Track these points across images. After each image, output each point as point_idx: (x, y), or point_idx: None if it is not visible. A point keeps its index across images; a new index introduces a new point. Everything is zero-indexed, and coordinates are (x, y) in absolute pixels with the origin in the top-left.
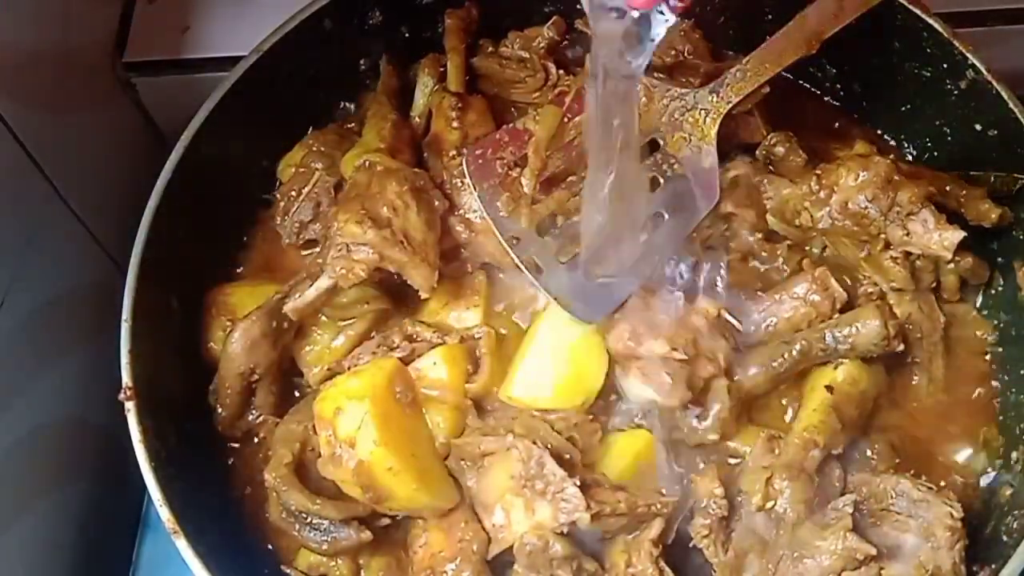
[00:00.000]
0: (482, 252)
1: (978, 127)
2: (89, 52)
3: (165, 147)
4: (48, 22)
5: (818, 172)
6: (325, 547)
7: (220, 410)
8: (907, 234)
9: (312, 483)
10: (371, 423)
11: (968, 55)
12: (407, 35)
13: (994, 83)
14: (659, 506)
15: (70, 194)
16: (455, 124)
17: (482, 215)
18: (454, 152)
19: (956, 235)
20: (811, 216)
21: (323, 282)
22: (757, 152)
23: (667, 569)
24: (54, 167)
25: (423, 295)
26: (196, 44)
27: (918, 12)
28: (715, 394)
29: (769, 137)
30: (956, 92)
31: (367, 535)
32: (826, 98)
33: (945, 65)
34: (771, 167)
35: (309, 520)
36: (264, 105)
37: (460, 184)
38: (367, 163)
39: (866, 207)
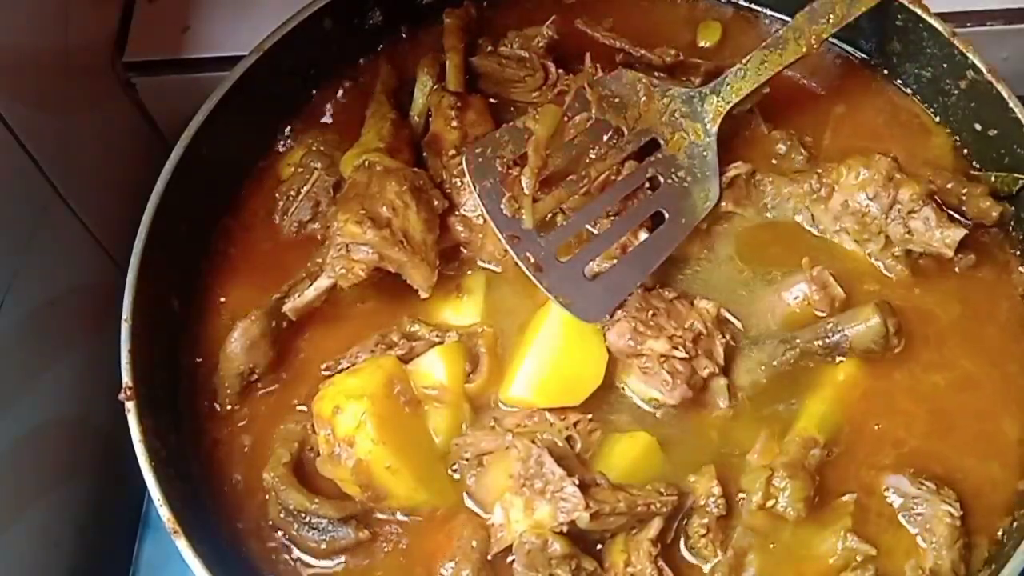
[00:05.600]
0: (481, 251)
1: (978, 127)
2: (89, 52)
3: (165, 147)
4: (48, 22)
5: (819, 171)
6: (324, 546)
7: (219, 409)
8: (908, 232)
9: (310, 482)
10: (369, 422)
11: (968, 55)
12: (407, 35)
13: (994, 83)
14: (658, 505)
15: (70, 194)
16: (454, 123)
17: (482, 214)
18: (453, 151)
19: (958, 233)
20: (812, 215)
21: (322, 282)
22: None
23: (666, 568)
24: (54, 167)
25: (423, 295)
26: (196, 44)
27: (918, 12)
28: (715, 392)
29: (771, 135)
30: (956, 92)
31: (365, 534)
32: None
33: (945, 65)
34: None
35: (308, 519)
36: (264, 105)
37: (459, 183)
38: (367, 163)
39: (867, 205)
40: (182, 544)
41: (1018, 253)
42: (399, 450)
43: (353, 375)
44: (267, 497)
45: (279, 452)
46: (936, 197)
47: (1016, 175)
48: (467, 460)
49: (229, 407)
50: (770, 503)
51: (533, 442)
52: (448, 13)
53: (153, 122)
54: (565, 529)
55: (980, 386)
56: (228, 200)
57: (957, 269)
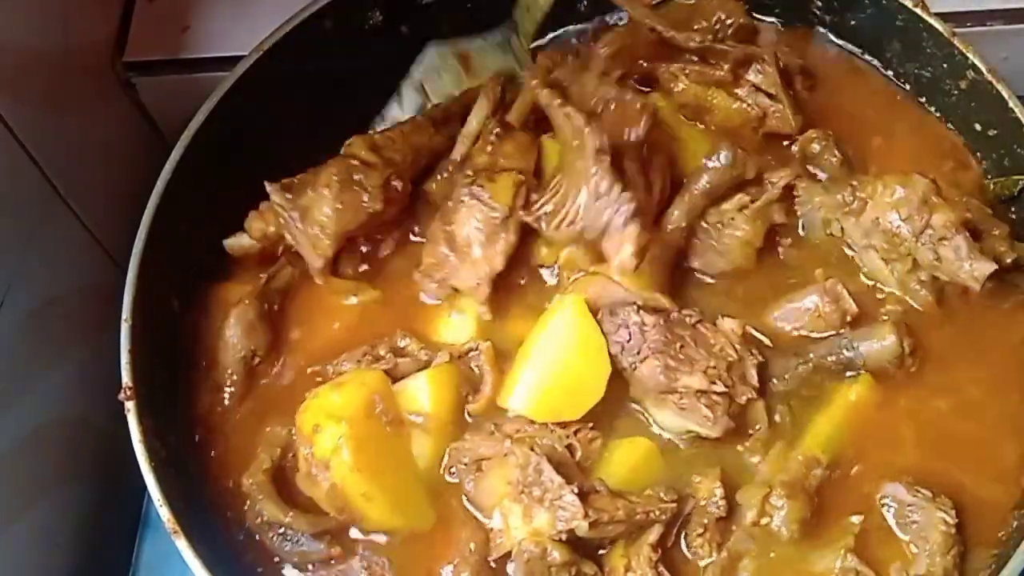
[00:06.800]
0: (461, 276)
1: (978, 127)
2: (89, 52)
3: (165, 147)
4: (48, 22)
5: (854, 183)
6: (296, 558)
7: (220, 409)
8: (937, 259)
9: (291, 488)
10: (346, 447)
11: (968, 55)
12: (407, 35)
13: (994, 83)
14: (658, 513)
15: (70, 194)
16: (488, 149)
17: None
18: (471, 172)
19: (987, 267)
20: (841, 228)
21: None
22: (794, 149)
23: (666, 573)
24: (54, 167)
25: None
26: (196, 44)
27: (918, 12)
28: (754, 416)
29: (805, 134)
30: (956, 92)
31: (337, 550)
32: None
33: (945, 65)
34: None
35: (282, 530)
36: (264, 105)
37: (464, 200)
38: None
39: (899, 226)
40: (182, 544)
41: None
42: (375, 476)
43: (336, 390)
44: (247, 503)
45: (261, 457)
46: (970, 225)
47: (1016, 176)
48: (465, 465)
49: (232, 391)
50: (764, 521)
51: (532, 449)
52: (541, 54)
53: (153, 122)
54: (564, 537)
55: (984, 413)
56: (228, 200)
57: (976, 297)
